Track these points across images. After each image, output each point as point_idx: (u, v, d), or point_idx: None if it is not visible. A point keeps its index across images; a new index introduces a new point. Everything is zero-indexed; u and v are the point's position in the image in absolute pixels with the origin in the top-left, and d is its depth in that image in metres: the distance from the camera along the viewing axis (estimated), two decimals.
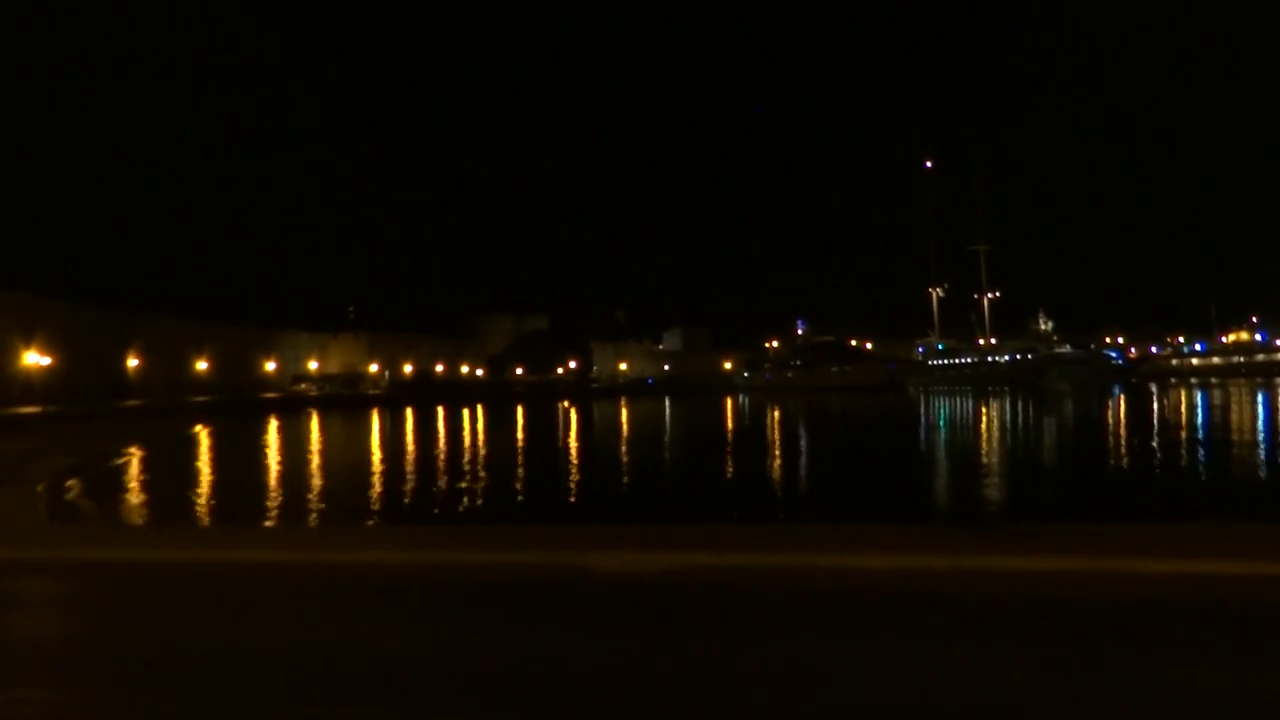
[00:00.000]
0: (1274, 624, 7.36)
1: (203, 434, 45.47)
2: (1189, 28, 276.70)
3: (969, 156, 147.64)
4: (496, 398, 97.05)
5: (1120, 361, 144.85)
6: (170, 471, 28.78)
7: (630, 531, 12.93)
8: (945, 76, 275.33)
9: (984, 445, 35.29)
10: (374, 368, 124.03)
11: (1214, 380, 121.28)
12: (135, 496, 22.94)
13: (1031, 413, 56.74)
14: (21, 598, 9.56)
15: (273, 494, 22.95)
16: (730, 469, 28.92)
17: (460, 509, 20.07)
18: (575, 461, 31.43)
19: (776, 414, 60.89)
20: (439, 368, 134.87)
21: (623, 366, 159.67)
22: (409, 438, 43.34)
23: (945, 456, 32.19)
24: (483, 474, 27.18)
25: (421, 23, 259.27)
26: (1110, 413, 54.59)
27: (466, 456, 32.77)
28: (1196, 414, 51.06)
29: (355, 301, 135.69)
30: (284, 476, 26.71)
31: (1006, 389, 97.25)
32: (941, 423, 51.24)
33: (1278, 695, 5.69)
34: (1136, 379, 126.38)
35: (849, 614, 7.91)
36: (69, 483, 22.99)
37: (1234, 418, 47.22)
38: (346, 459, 32.93)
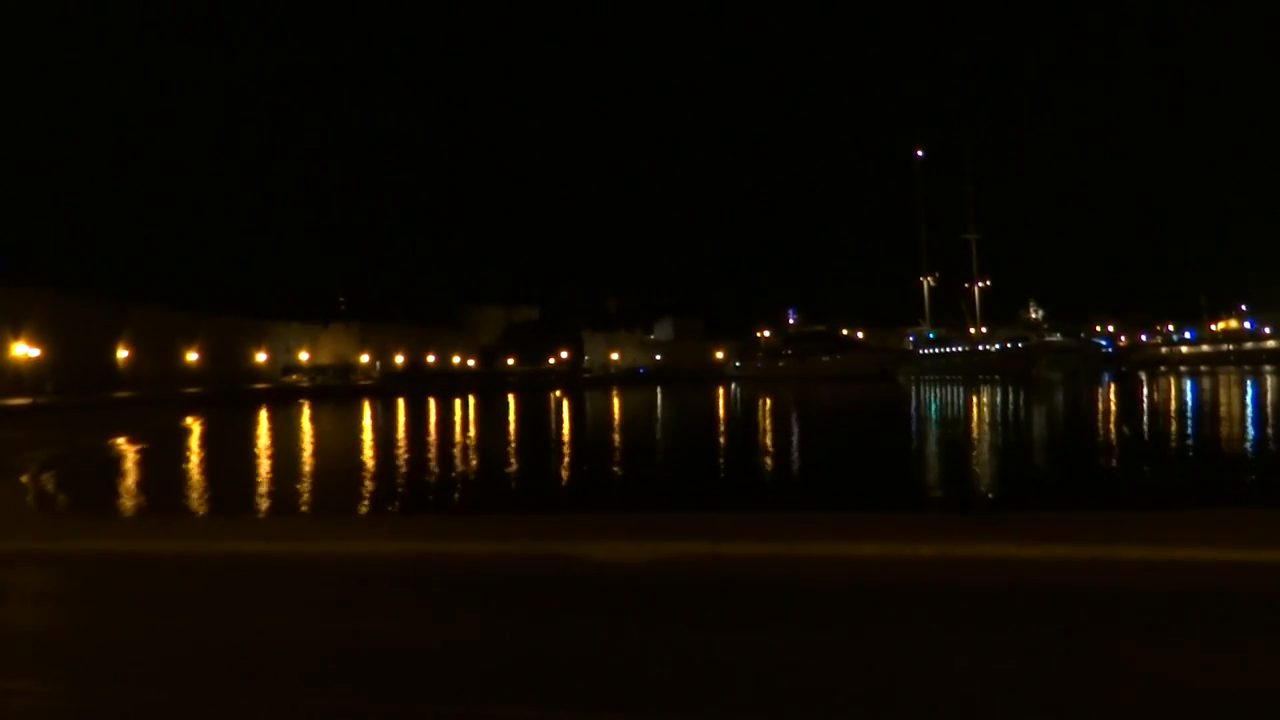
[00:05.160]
0: (1258, 609, 7.41)
1: (193, 425, 45.34)
2: (1178, 18, 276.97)
3: (960, 145, 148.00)
4: (488, 388, 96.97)
5: (1110, 350, 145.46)
6: (160, 462, 28.70)
7: (621, 521, 12.96)
8: (936, 66, 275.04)
9: (974, 434, 35.41)
10: (365, 358, 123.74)
11: (1203, 368, 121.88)
12: (124, 487, 22.88)
13: (1022, 401, 56.92)
14: (10, 589, 9.54)
15: (263, 485, 22.91)
16: (722, 458, 28.97)
17: (452, 499, 20.08)
18: (567, 451, 31.46)
19: (768, 403, 60.96)
20: (430, 358, 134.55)
21: (614, 356, 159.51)
22: (400, 428, 43.30)
23: (936, 445, 32.30)
24: (474, 464, 27.17)
25: (412, 15, 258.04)
26: (1100, 401, 54.81)
27: (458, 447, 32.74)
28: (1186, 402, 51.31)
29: (346, 292, 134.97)
30: (275, 467, 26.66)
31: (997, 377, 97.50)
32: (932, 412, 51.38)
33: (1260, 678, 5.74)
34: (1127, 367, 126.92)
35: (840, 602, 7.95)
36: (57, 474, 22.92)
37: (1222, 406, 47.48)
38: (338, 450, 32.88)
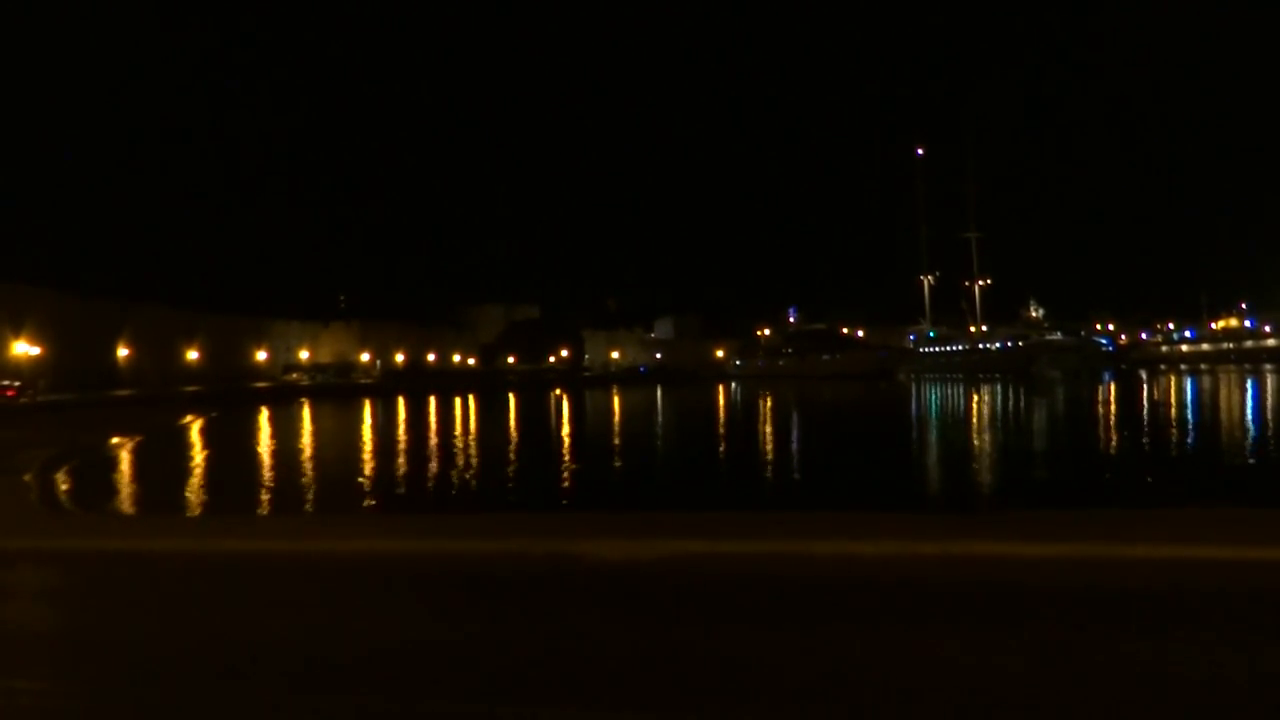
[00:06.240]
0: (1260, 608, 7.41)
1: (194, 423, 45.35)
2: (1179, 17, 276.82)
3: (960, 145, 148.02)
4: (488, 387, 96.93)
5: (1111, 348, 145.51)
6: (161, 461, 28.73)
7: (622, 519, 12.96)
8: (937, 64, 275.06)
9: (975, 432, 35.41)
10: (365, 357, 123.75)
11: (1204, 367, 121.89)
12: (126, 486, 22.90)
13: (1023, 399, 56.90)
14: (13, 587, 9.54)
15: (264, 483, 22.92)
16: (722, 457, 28.98)
17: (452, 497, 20.10)
18: (567, 450, 31.46)
19: (768, 402, 60.96)
20: (430, 357, 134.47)
21: (615, 355, 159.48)
22: (401, 427, 43.31)
23: (936, 444, 32.31)
24: (474, 462, 27.18)
25: (413, 14, 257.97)
26: (1101, 399, 54.80)
27: (458, 445, 32.75)
28: (1186, 401, 51.30)
29: (347, 291, 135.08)
30: (275, 466, 26.67)
31: (998, 376, 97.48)
32: (933, 410, 51.38)
33: (1261, 677, 5.75)
34: (1127, 365, 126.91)
35: (841, 600, 7.95)
36: (59, 472, 22.92)
37: (1222, 404, 47.49)
38: (338, 448, 32.89)
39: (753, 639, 6.76)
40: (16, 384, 53.96)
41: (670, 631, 7.01)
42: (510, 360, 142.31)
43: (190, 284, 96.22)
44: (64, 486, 20.92)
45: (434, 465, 26.38)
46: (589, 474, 24.07)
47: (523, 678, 6.03)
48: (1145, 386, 68.09)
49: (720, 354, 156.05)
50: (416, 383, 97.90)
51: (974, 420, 41.88)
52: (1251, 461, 23.54)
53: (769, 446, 31.30)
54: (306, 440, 37.28)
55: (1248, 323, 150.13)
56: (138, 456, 30.05)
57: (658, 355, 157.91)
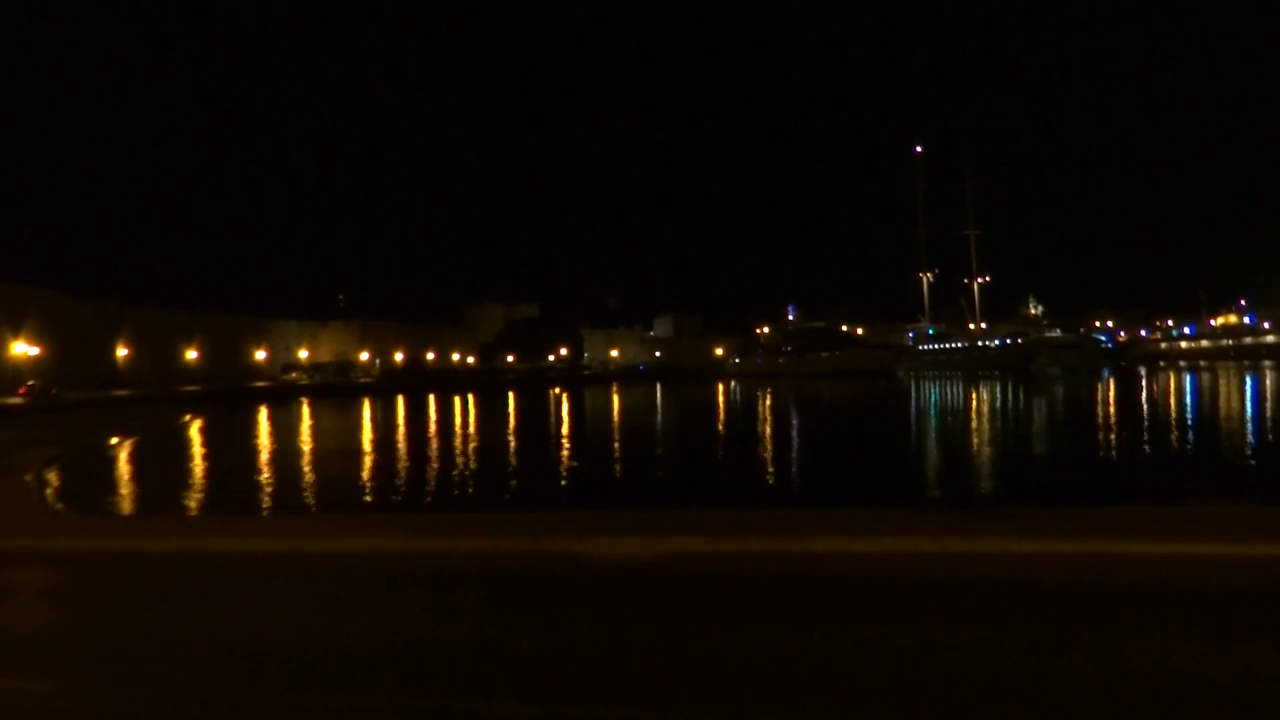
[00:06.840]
0: (1260, 605, 7.42)
1: (193, 423, 45.34)
2: (1178, 15, 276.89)
3: (959, 142, 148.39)
4: (488, 385, 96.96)
5: (1110, 345, 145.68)
6: (161, 461, 28.74)
7: (621, 518, 12.96)
8: (936, 61, 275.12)
9: (974, 429, 35.41)
10: (365, 356, 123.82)
11: (1203, 363, 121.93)
12: (126, 486, 22.90)
13: (1022, 397, 56.90)
14: (13, 587, 9.55)
15: (264, 483, 22.93)
16: (721, 455, 28.99)
17: (451, 496, 20.11)
18: (567, 448, 31.47)
19: (768, 400, 60.98)
20: (430, 356, 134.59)
21: (614, 353, 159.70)
22: (400, 426, 43.32)
23: (935, 441, 32.32)
24: (474, 461, 27.18)
25: (411, 12, 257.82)
26: (1100, 397, 54.80)
27: (458, 444, 32.76)
28: (1185, 397, 51.31)
29: (346, 290, 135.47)
30: (275, 465, 26.68)
31: (997, 373, 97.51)
32: (932, 407, 51.39)
33: (1260, 674, 5.75)
34: (1126, 362, 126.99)
35: (839, 598, 7.96)
36: (59, 472, 22.92)
37: (1222, 401, 47.50)
38: (337, 448, 32.89)
39: (753, 637, 6.77)
40: (30, 383, 58.60)
41: (670, 630, 7.02)
42: (510, 359, 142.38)
43: (189, 284, 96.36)
44: (64, 486, 20.93)
45: (433, 464, 26.39)
46: (589, 472, 24.08)
47: (522, 676, 6.04)
48: (1144, 383, 68.10)
49: (719, 352, 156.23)
50: (416, 381, 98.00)
51: (973, 417, 41.88)
52: (1250, 458, 23.55)
53: (768, 444, 31.30)
54: (305, 439, 37.27)
55: (1247, 319, 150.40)
56: (137, 456, 30.05)
57: (657, 354, 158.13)
